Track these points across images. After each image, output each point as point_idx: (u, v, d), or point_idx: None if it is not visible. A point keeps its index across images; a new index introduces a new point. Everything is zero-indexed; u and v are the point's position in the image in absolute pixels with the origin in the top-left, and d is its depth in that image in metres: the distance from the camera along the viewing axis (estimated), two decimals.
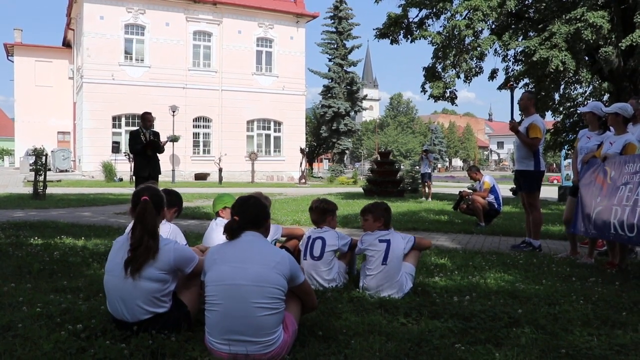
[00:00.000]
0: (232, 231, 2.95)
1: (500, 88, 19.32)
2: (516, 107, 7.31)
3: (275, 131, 35.52)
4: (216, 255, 2.93)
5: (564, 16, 15.39)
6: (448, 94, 18.50)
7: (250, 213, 2.98)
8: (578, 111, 16.72)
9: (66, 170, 32.28)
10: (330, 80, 48.96)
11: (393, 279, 4.13)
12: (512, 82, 17.70)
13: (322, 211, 4.64)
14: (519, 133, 6.87)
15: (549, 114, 19.73)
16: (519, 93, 8.83)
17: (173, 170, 28.66)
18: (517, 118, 8.36)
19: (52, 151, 32.49)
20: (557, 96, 19.20)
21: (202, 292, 3.02)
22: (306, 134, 40.28)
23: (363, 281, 4.28)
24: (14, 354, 2.74)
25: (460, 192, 10.65)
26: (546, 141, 19.59)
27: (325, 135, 49.26)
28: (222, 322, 2.76)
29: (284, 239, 5.13)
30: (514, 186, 7.80)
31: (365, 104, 59.92)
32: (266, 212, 3.09)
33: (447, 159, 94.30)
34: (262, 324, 2.73)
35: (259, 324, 2.72)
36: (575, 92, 19.73)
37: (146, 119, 9.61)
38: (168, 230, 4.05)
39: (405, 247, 4.31)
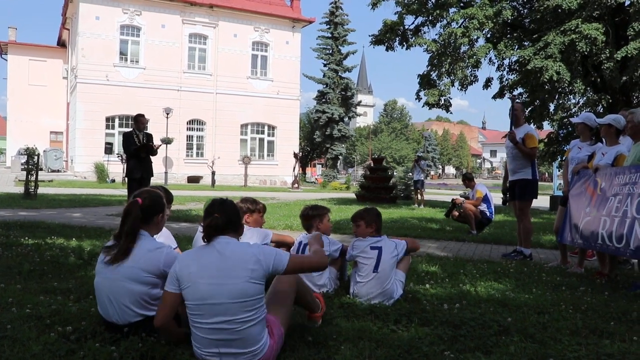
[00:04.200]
0: (214, 230, 2.85)
1: (495, 97, 19.40)
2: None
3: (269, 135, 35.53)
4: (192, 267, 2.80)
5: (559, 27, 15.51)
6: (443, 102, 18.57)
7: (230, 212, 2.92)
8: (571, 121, 16.80)
9: (58, 171, 32.12)
10: (324, 86, 49.10)
11: (384, 287, 4.13)
12: (514, 94, 17.77)
13: (309, 217, 4.67)
14: (519, 144, 6.91)
15: (546, 124, 19.82)
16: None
17: (166, 173, 28.59)
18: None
19: (44, 151, 32.34)
20: (552, 106, 19.30)
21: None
22: (300, 139, 40.30)
23: (354, 288, 4.27)
24: (2, 355, 2.73)
25: (452, 199, 10.68)
26: (538, 151, 19.67)
27: (318, 140, 49.36)
28: (209, 337, 2.73)
29: (272, 244, 5.12)
30: (503, 196, 7.84)
31: (359, 109, 60.20)
32: (240, 215, 3.05)
33: (440, 166, 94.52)
34: (248, 335, 2.72)
35: (245, 336, 2.72)
36: (569, 102, 19.85)
37: (139, 121, 9.60)
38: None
39: (398, 254, 4.31)
